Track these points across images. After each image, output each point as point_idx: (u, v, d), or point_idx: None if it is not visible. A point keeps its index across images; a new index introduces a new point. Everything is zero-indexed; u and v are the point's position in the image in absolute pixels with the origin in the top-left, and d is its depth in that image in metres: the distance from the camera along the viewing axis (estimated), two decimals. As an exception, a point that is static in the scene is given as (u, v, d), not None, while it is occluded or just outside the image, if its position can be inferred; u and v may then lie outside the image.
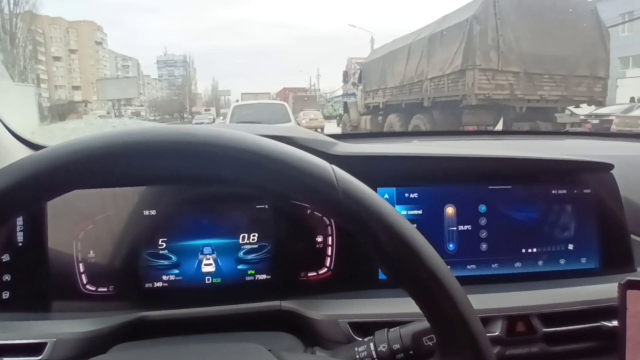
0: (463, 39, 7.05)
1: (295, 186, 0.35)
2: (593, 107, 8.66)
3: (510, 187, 0.75)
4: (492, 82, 7.00)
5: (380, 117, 10.64)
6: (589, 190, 0.76)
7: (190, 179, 0.64)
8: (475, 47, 6.91)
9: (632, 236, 0.77)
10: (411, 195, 0.73)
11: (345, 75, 14.28)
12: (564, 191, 0.75)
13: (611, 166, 0.76)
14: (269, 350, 0.41)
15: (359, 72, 12.45)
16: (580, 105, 8.21)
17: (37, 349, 0.56)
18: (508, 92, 7.06)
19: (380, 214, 0.35)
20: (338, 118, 18.02)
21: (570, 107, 8.05)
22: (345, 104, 14.12)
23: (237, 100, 18.74)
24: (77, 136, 0.35)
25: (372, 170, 0.67)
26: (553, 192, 0.75)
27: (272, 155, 0.35)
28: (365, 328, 0.59)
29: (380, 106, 10.54)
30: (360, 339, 0.50)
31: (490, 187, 0.74)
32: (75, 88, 64.17)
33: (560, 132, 1.87)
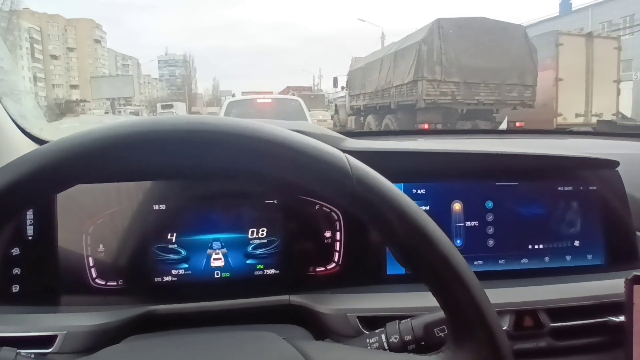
0: (415, 56, 8.81)
1: (310, 174, 0.35)
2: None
3: (517, 183, 0.75)
4: (437, 90, 8.72)
5: (362, 118, 12.19)
6: (594, 187, 0.76)
7: (200, 170, 0.63)
8: (424, 63, 8.64)
9: (638, 233, 0.77)
10: (419, 191, 0.74)
11: (335, 81, 16.19)
12: (570, 188, 0.76)
13: (616, 163, 0.77)
14: (283, 339, 0.42)
15: (346, 77, 14.14)
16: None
17: (47, 341, 0.56)
18: (450, 97, 8.78)
19: (394, 202, 0.35)
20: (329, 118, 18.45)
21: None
22: (336, 105, 16.09)
23: (234, 95, 15.37)
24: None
25: (381, 165, 0.67)
26: (559, 189, 0.76)
27: (286, 143, 0.35)
28: (374, 322, 0.60)
29: (362, 108, 12.19)
30: (371, 332, 0.51)
31: (497, 183, 0.75)
32: (73, 87, 63.96)
33: (565, 132, 1.88)
